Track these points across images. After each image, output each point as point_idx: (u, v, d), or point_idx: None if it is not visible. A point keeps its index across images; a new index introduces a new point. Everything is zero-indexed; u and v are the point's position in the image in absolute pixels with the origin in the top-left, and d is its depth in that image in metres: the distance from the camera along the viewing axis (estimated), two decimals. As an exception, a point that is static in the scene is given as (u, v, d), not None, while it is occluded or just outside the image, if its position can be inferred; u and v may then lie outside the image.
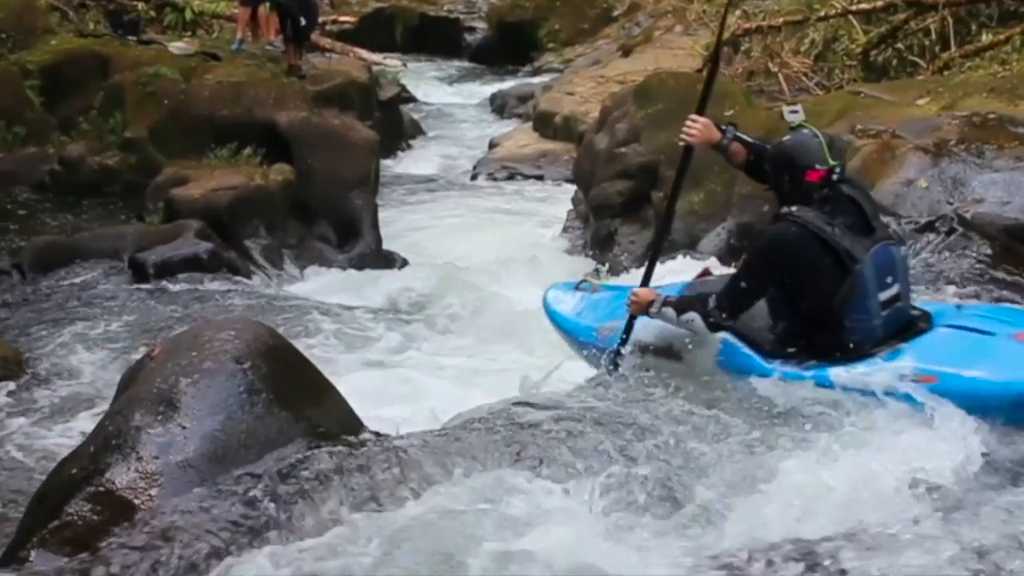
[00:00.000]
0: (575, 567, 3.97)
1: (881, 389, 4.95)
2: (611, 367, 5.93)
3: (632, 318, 5.87)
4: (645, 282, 5.93)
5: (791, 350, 5.36)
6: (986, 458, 4.55)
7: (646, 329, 5.85)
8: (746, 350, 5.50)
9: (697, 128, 5.74)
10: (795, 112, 5.43)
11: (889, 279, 5.21)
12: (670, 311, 5.59)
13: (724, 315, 5.39)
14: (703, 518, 4.33)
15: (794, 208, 5.25)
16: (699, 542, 4.18)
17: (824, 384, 5.14)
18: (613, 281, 7.06)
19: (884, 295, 5.20)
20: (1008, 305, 6.06)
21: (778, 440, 4.78)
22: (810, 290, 5.20)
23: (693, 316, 5.47)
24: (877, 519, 4.12)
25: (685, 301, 5.61)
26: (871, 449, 4.52)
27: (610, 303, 6.47)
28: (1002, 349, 4.96)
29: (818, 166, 5.22)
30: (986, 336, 5.06)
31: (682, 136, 5.79)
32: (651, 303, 5.69)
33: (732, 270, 6.07)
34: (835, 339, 5.21)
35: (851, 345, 5.19)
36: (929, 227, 6.93)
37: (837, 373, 5.14)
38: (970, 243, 6.67)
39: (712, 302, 5.41)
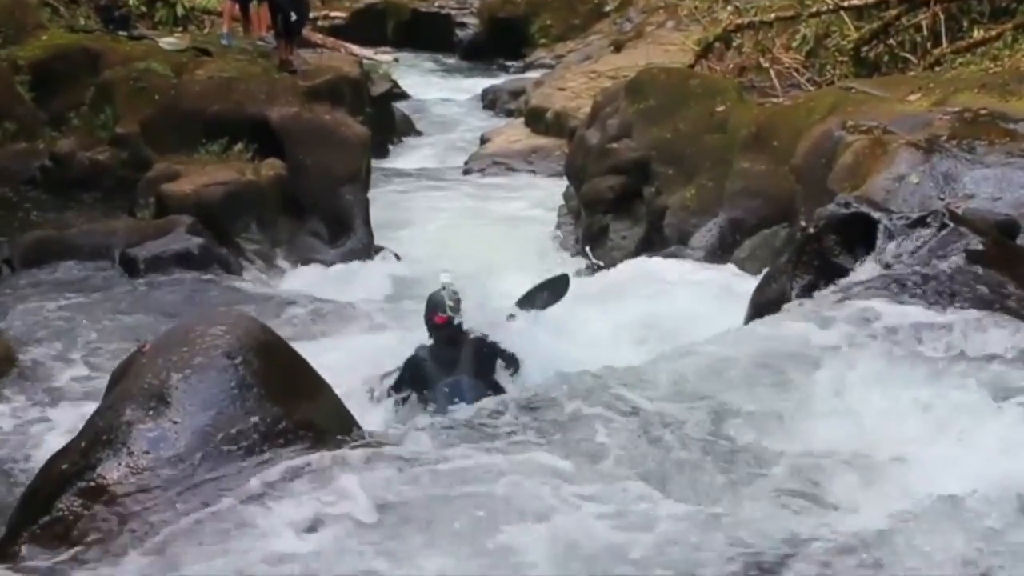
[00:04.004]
0: (578, 558, 3.97)
1: None
2: None
3: None
4: None
5: None
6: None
7: None
8: None
9: None
10: (445, 274, 7.89)
11: (456, 399, 7.07)
12: None
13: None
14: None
15: (424, 344, 7.71)
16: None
17: None
18: None
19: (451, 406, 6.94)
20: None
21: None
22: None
23: None
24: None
25: None
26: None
27: None
28: None
29: (440, 313, 7.56)
30: None
31: None
32: None
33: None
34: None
35: None
36: (920, 223, 6.90)
37: None
38: (961, 239, 6.66)
39: None
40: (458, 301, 7.68)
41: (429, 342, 7.72)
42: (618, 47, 22.11)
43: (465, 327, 7.69)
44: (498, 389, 7.36)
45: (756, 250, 11.06)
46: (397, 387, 7.62)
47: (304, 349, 5.20)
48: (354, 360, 8.38)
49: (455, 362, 7.63)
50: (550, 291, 8.65)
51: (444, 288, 7.71)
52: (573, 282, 9.05)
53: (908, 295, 6.22)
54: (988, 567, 3.81)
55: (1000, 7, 13.92)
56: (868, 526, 4.08)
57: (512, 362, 7.59)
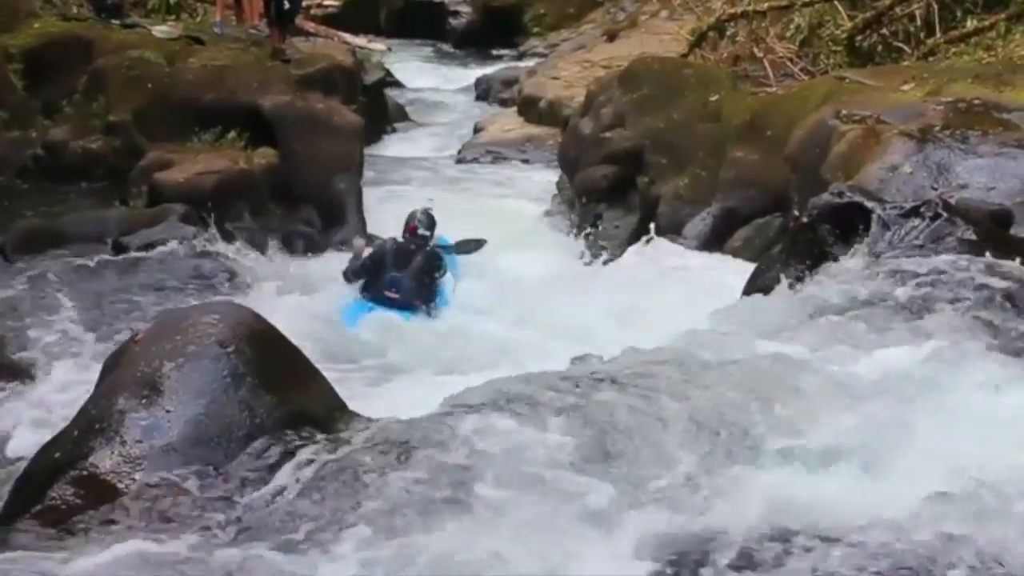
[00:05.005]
0: (555, 553, 3.97)
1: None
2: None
3: None
4: None
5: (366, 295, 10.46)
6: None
7: None
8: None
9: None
10: (430, 200, 11.49)
11: (394, 289, 10.24)
12: None
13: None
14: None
15: (390, 237, 10.80)
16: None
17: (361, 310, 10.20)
18: None
19: (390, 294, 10.27)
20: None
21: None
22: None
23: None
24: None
25: None
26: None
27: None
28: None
29: (410, 223, 10.58)
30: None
31: None
32: None
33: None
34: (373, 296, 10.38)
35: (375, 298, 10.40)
36: (914, 212, 6.92)
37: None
38: (954, 228, 6.67)
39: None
40: (430, 220, 10.64)
41: (399, 239, 10.60)
42: (612, 36, 22.09)
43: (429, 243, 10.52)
44: (431, 294, 10.31)
45: (749, 239, 11.08)
46: (363, 265, 10.45)
47: (296, 338, 5.20)
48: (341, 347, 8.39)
49: (409, 261, 10.37)
50: (473, 247, 11.28)
51: (422, 209, 10.83)
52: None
53: (901, 284, 6.23)
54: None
55: (994, -3, 13.94)
56: (867, 512, 4.11)
57: (439, 267, 10.46)
